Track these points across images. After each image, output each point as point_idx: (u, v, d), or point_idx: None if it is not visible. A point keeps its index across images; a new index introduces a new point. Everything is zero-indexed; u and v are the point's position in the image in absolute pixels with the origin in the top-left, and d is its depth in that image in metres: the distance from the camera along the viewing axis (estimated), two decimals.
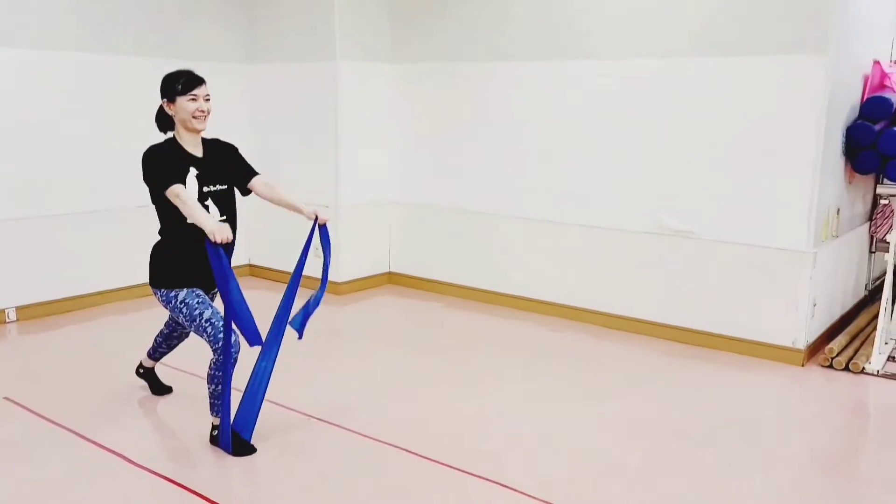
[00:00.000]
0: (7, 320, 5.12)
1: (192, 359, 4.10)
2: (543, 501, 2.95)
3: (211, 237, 2.96)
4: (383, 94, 6.12)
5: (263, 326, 3.22)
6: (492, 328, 5.28)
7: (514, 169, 5.58)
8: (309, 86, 5.94)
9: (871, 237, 5.78)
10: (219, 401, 3.25)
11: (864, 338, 4.90)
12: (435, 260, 6.15)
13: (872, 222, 5.74)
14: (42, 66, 5.11)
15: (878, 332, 4.61)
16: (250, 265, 6.58)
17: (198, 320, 3.22)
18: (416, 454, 3.33)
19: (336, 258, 5.62)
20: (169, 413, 3.81)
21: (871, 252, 5.84)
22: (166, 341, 3.78)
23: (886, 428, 3.90)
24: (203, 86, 3.23)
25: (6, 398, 3.87)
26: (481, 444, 3.47)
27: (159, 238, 3.35)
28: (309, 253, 3.44)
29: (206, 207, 3.25)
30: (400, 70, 6.07)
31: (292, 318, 3.39)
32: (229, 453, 3.27)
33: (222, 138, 3.50)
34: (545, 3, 5.24)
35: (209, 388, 3.28)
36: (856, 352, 4.63)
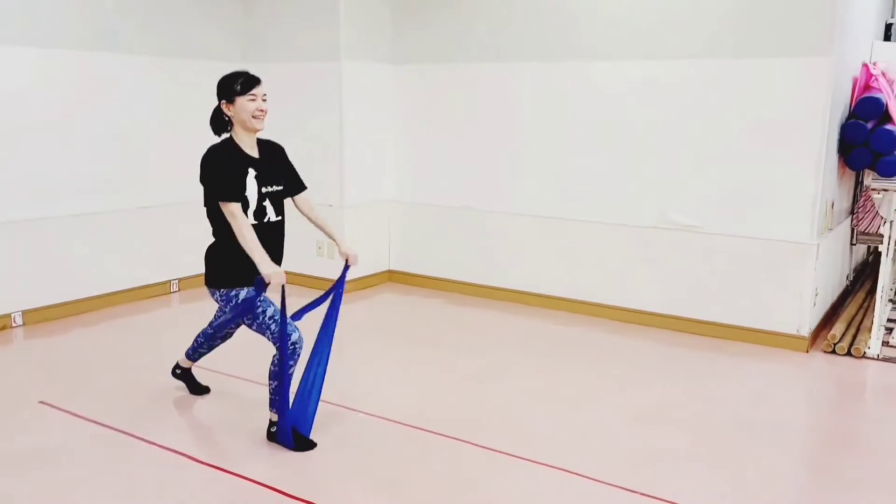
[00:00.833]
0: (13, 325, 5.00)
1: (224, 360, 4.10)
2: (600, 482, 3.09)
3: (266, 280, 3.01)
4: (385, 94, 6.18)
5: (309, 331, 3.28)
6: (498, 323, 5.39)
7: (515, 167, 5.71)
8: (312, 85, 5.95)
9: (853, 230, 6.11)
10: (279, 397, 3.28)
11: (857, 324, 5.20)
12: (435, 257, 6.23)
13: (854, 216, 6.07)
14: (41, 66, 5.01)
15: (875, 319, 4.90)
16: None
17: (260, 318, 3.25)
18: (467, 441, 3.43)
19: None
20: (213, 412, 3.80)
21: (851, 244, 6.18)
22: (209, 341, 3.77)
23: (892, 405, 4.17)
24: (261, 85, 3.26)
25: (41, 402, 3.81)
26: (522, 429, 3.59)
27: (214, 239, 3.35)
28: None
29: (264, 208, 3.28)
30: (402, 70, 6.14)
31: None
32: (290, 448, 3.31)
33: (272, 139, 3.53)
34: (548, 4, 5.39)
35: (271, 385, 3.31)
36: (853, 338, 4.92)
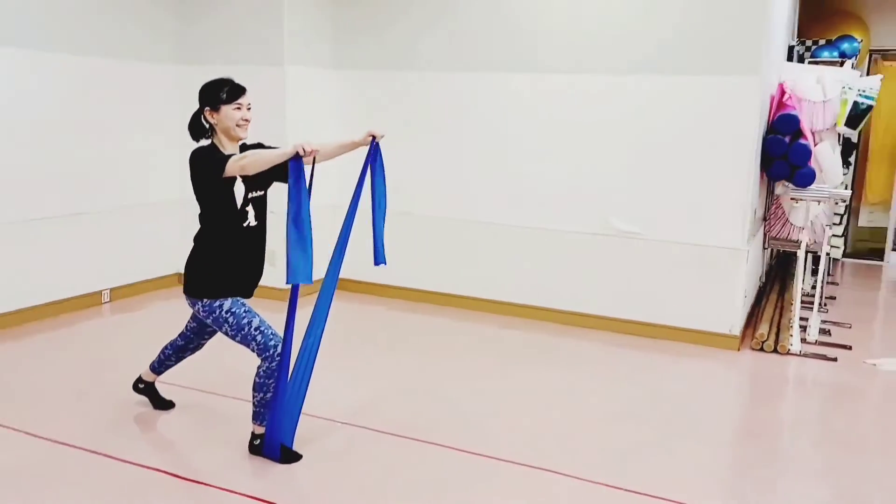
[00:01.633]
0: None
1: (183, 373, 3.99)
2: (572, 477, 3.25)
3: (300, 151, 2.95)
4: (329, 100, 6.15)
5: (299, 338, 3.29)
6: (445, 329, 5.47)
7: (463, 175, 5.82)
8: (252, 90, 5.83)
9: (765, 235, 6.59)
10: (265, 409, 3.25)
11: (777, 322, 5.62)
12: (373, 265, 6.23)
13: (767, 222, 6.55)
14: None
15: (794, 318, 5.32)
16: None
17: (246, 329, 3.20)
18: (452, 448, 3.50)
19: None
20: (182, 426, 3.70)
21: (764, 248, 6.66)
22: (177, 353, 3.66)
23: (823, 396, 4.56)
24: (246, 94, 3.22)
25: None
26: (495, 432, 3.71)
27: (195, 244, 3.27)
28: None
29: (246, 213, 3.25)
30: (345, 76, 6.13)
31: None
32: (276, 461, 3.28)
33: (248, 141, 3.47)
34: (497, 18, 5.53)
35: (255, 397, 3.26)
36: (777, 336, 5.32)
